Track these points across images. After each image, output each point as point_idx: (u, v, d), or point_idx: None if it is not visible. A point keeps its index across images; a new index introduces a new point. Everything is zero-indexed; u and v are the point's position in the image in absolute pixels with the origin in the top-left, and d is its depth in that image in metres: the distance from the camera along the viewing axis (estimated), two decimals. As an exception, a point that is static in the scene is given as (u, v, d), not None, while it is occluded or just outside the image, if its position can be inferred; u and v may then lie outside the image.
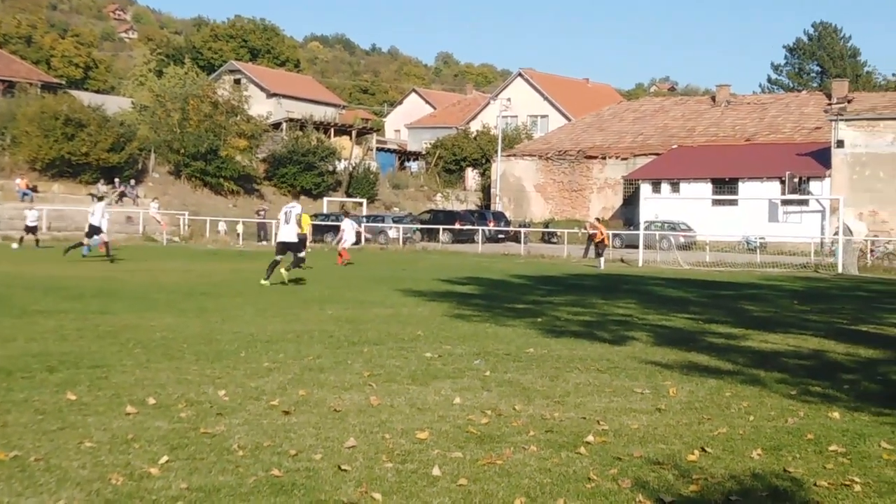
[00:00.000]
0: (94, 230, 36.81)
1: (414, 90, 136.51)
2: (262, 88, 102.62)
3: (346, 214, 46.41)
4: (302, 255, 29.86)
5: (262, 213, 65.91)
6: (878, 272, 43.53)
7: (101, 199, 42.01)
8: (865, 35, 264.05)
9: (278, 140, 79.97)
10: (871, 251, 49.91)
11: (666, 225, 61.57)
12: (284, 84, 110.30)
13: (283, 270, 26.90)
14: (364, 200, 75.03)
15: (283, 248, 27.62)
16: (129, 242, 56.16)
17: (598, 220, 49.31)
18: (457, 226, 65.74)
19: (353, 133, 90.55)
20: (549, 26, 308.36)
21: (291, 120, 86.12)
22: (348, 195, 78.24)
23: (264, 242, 59.58)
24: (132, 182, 67.59)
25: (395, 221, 66.14)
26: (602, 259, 43.27)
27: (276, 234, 32.75)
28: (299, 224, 28.50)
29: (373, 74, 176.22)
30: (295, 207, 28.15)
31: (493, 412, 9.76)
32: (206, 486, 7.09)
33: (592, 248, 45.27)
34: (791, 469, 7.83)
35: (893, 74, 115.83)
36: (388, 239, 62.47)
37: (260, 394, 10.50)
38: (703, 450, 8.39)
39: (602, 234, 44.56)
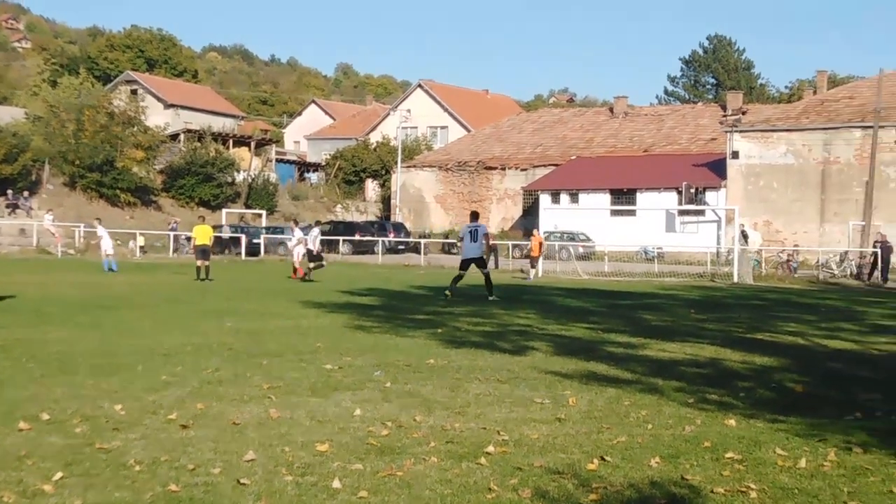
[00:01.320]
0: None
1: (313, 101, 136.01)
2: (159, 99, 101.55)
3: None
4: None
5: (174, 225, 65.16)
6: (773, 281, 44.23)
7: None
8: (759, 48, 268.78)
9: (176, 151, 79.22)
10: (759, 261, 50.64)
11: (565, 235, 62.02)
12: (182, 95, 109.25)
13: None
14: (263, 212, 74.57)
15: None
16: (23, 255, 55.21)
17: (536, 231, 49.22)
18: (357, 237, 65.61)
19: (253, 144, 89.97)
20: (449, 38, 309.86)
21: (189, 131, 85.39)
22: (247, 207, 77.75)
23: (175, 255, 59.03)
24: (25, 194, 66.46)
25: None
26: (533, 271, 43.65)
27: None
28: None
29: (272, 85, 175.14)
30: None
31: (393, 423, 9.74)
32: (101, 503, 6.97)
33: (533, 260, 45.18)
34: (689, 476, 7.90)
35: (786, 87, 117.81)
36: (288, 250, 62.09)
37: (157, 408, 10.36)
38: (603, 459, 8.43)
39: (538, 246, 44.88)
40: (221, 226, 65.41)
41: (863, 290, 40.22)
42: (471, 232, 28.53)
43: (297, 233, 41.23)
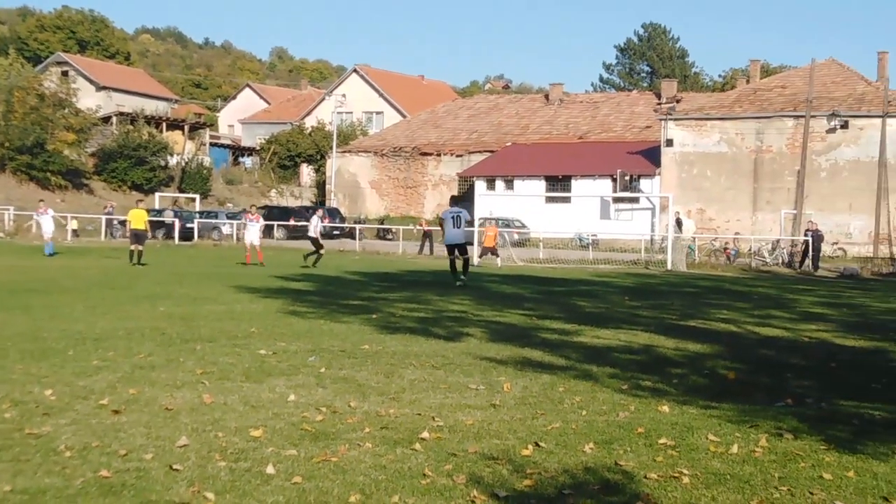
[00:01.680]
0: None
1: (248, 85, 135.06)
2: (91, 81, 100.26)
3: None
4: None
5: (109, 209, 64.43)
6: (706, 269, 44.59)
7: None
8: (693, 36, 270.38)
9: (108, 134, 78.46)
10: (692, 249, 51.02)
11: (500, 222, 62.10)
12: (114, 77, 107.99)
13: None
14: (197, 196, 74.06)
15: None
16: (-48, 238, 54.47)
17: (490, 221, 49.04)
18: (291, 222, 65.33)
19: (186, 128, 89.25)
20: (385, 23, 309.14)
21: (122, 114, 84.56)
22: (181, 191, 77.18)
23: (107, 239, 58.47)
24: (-48, 176, 65.57)
25: (229, 217, 65.40)
26: (498, 259, 43.74)
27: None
28: None
29: (206, 69, 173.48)
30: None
31: (327, 409, 9.71)
32: (30, 489, 6.89)
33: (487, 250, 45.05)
34: (622, 462, 7.94)
35: (720, 75, 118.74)
36: (221, 235, 61.74)
37: (88, 393, 10.26)
38: (537, 444, 8.46)
39: (493, 235, 44.90)
40: (164, 210, 64.92)
41: (794, 278, 40.68)
42: (453, 217, 28.33)
43: (315, 220, 40.49)
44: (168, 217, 62.55)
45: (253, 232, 39.74)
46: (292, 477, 7.31)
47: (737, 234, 55.01)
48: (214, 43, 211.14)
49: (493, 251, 44.42)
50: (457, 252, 28.48)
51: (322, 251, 38.25)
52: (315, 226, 39.62)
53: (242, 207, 74.75)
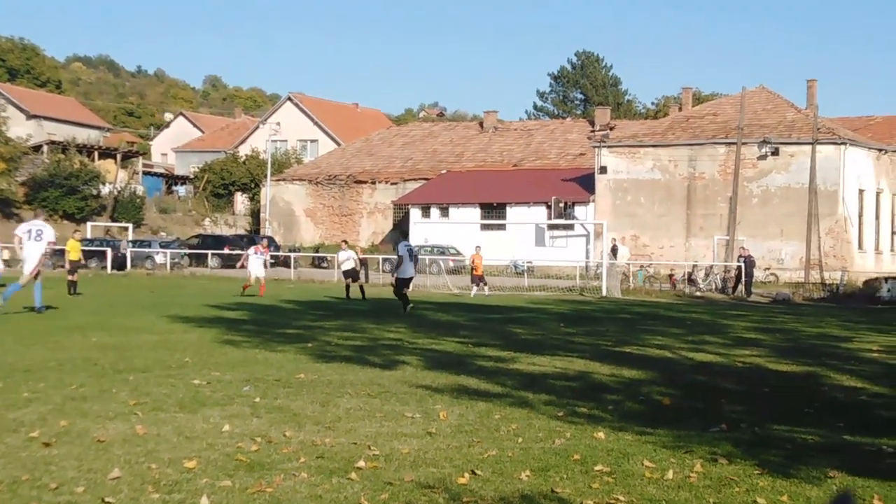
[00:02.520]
0: None
1: (181, 113, 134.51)
2: (21, 109, 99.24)
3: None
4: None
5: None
6: (640, 295, 44.89)
7: None
8: (626, 64, 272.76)
9: (39, 163, 77.67)
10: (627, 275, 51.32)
11: (435, 249, 62.10)
12: (45, 105, 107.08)
13: None
14: (130, 225, 73.49)
15: None
16: None
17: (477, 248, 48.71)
18: (226, 251, 64.99)
19: (119, 156, 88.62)
20: (319, 50, 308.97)
21: (53, 142, 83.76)
22: (113, 220, 76.54)
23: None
24: None
25: (162, 246, 64.92)
26: (475, 288, 43.52)
27: None
28: None
29: (138, 97, 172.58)
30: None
31: (263, 439, 9.64)
32: (-41, 524, 6.77)
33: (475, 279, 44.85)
34: (559, 489, 7.95)
35: (653, 102, 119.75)
36: (154, 264, 61.27)
37: (18, 425, 10.11)
38: (474, 472, 8.44)
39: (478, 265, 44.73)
40: (115, 240, 64.24)
41: (727, 304, 41.03)
42: (409, 251, 30.10)
43: (343, 254, 39.81)
44: (124, 248, 61.94)
45: (257, 265, 38.99)
46: (227, 508, 7.24)
47: (694, 263, 54.81)
48: (147, 71, 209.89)
49: (482, 280, 44.35)
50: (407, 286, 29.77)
51: (350, 283, 37.78)
52: (347, 258, 39.11)
53: (177, 236, 74.30)
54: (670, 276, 51.23)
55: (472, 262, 45.49)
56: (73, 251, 37.53)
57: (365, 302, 34.48)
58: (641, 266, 53.85)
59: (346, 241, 44.01)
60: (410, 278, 30.15)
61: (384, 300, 35.35)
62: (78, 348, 17.37)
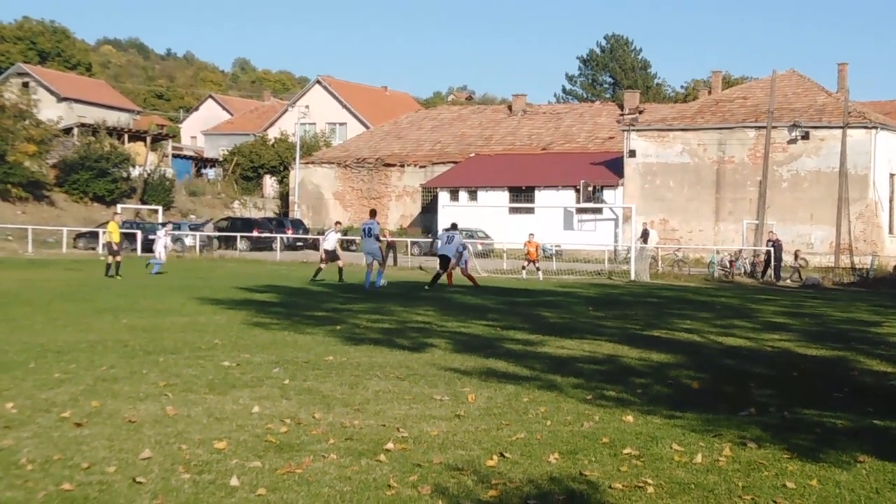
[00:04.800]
0: None
1: (210, 96, 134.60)
2: (52, 92, 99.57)
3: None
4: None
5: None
6: (669, 279, 44.76)
7: None
8: (655, 48, 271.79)
9: (69, 146, 77.84)
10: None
11: (464, 233, 62.02)
12: (76, 88, 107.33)
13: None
14: (160, 207, 73.69)
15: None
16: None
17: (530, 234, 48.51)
18: (255, 233, 65.15)
19: (148, 139, 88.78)
20: (348, 33, 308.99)
21: (83, 125, 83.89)
22: (143, 202, 76.74)
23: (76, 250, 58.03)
24: None
25: (192, 229, 65.12)
26: (540, 272, 43.53)
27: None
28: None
29: (168, 80, 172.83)
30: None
31: (292, 421, 9.68)
32: (-8, 503, 6.83)
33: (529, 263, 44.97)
34: (587, 472, 7.96)
35: (682, 86, 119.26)
36: (184, 246, 61.43)
37: (50, 406, 10.18)
38: (502, 455, 8.46)
39: (534, 251, 44.82)
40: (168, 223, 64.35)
41: (756, 288, 40.89)
42: (448, 237, 35.43)
43: (333, 235, 39.90)
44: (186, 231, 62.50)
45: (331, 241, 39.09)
46: (256, 489, 7.28)
47: (742, 249, 54.30)
48: (176, 54, 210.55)
49: (535, 263, 44.36)
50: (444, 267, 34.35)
51: (340, 264, 37.64)
52: (330, 238, 39.15)
53: (207, 218, 74.48)
54: (731, 262, 50.38)
55: (527, 247, 45.49)
56: (115, 233, 37.41)
57: (341, 283, 34.39)
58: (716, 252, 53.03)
59: (339, 223, 44.70)
60: (443, 257, 34.65)
61: (412, 283, 35.40)
62: (109, 330, 17.48)
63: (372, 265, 33.07)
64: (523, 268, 44.78)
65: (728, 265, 49.15)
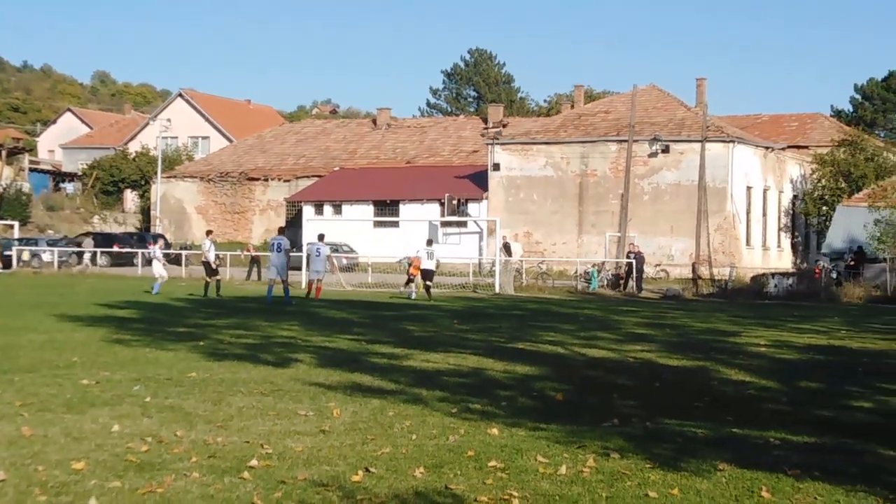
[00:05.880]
0: None
1: (69, 109, 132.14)
2: None
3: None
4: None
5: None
6: (533, 291, 45.11)
7: None
8: (519, 62, 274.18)
9: (-80, 160, 75.85)
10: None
11: (329, 247, 61.73)
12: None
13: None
14: (16, 223, 72.05)
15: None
16: None
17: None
18: (115, 249, 64.06)
19: (3, 153, 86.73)
20: (210, 46, 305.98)
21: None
22: (-1, 217, 75.05)
23: None
24: None
25: (49, 244, 63.74)
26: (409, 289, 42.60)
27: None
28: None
29: (24, 92, 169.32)
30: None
31: (153, 439, 9.52)
32: None
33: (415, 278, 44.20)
34: (452, 486, 7.95)
35: (545, 100, 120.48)
36: (41, 262, 60.11)
37: None
38: (367, 470, 8.42)
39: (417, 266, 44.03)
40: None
41: (619, 300, 41.46)
42: (427, 253, 38.92)
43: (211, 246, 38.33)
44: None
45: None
46: (116, 510, 7.13)
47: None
48: (33, 66, 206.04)
49: (413, 280, 43.52)
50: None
51: (215, 277, 36.79)
52: (209, 249, 38.21)
53: (64, 234, 73.05)
54: (619, 273, 50.47)
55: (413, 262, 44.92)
56: None
57: (205, 298, 34.06)
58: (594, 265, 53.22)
59: (210, 231, 44.20)
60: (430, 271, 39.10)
61: (276, 297, 35.16)
62: (-38, 349, 17.01)
63: (275, 280, 33.18)
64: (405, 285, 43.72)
65: (614, 277, 49.60)
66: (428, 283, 38.74)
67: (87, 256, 60.98)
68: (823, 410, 12.21)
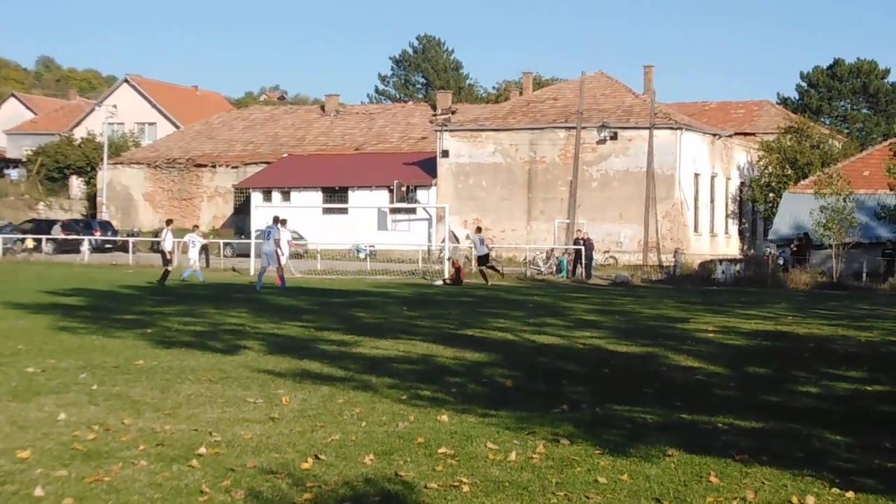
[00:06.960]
0: None
1: (13, 94, 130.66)
2: None
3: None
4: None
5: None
6: (482, 278, 45.13)
7: None
8: (467, 48, 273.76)
9: None
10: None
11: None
12: None
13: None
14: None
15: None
16: None
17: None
18: (61, 235, 63.50)
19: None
20: (157, 31, 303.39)
21: None
22: (-58, 204, 74.23)
23: None
24: None
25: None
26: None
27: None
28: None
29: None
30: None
31: (100, 427, 9.45)
32: None
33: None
34: (402, 473, 7.94)
35: (494, 87, 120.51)
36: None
37: None
38: (317, 457, 8.40)
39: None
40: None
41: (568, 287, 41.58)
42: (480, 239, 42.50)
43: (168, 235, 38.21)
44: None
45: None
46: (62, 499, 7.08)
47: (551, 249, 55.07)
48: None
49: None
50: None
51: (169, 268, 36.40)
52: (165, 237, 37.82)
53: (8, 221, 72.32)
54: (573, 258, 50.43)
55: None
56: None
57: (159, 286, 33.81)
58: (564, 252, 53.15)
59: (170, 220, 43.78)
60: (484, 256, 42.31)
61: (224, 285, 35.03)
62: None
63: (267, 268, 33.84)
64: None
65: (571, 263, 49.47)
66: (482, 267, 41.85)
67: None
68: (771, 396, 12.30)
